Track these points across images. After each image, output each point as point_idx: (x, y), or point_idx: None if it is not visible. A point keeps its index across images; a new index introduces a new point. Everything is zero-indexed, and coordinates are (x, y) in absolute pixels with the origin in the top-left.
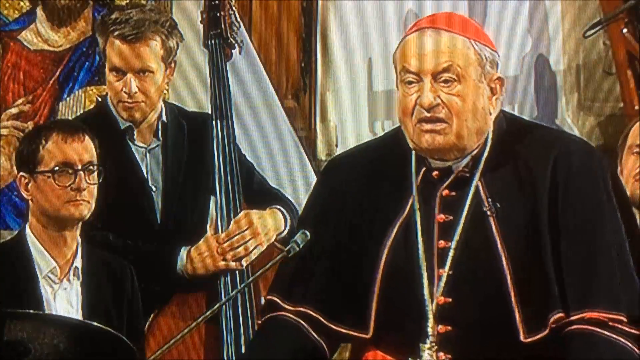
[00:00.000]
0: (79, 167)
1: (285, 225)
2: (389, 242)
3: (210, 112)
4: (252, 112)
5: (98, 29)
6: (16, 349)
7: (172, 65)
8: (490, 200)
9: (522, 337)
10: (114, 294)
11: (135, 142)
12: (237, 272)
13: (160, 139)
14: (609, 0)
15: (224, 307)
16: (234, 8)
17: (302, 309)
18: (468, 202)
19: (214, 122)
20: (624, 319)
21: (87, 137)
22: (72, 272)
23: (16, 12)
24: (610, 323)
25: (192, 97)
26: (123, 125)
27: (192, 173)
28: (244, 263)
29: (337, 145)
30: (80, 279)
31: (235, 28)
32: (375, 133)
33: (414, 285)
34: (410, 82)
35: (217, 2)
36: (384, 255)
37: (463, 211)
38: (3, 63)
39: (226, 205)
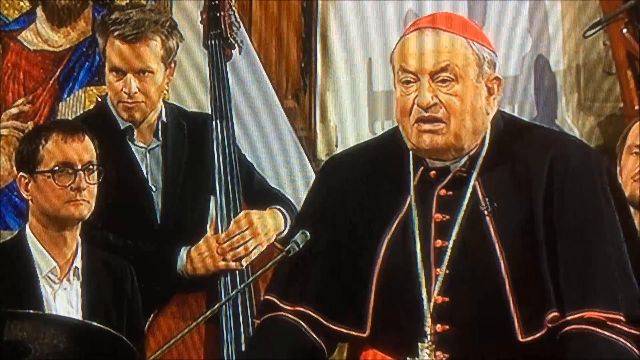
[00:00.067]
0: (79, 167)
1: (285, 226)
2: (386, 241)
3: (210, 112)
4: (252, 112)
5: (98, 29)
6: (16, 349)
7: (172, 65)
8: (487, 200)
9: (519, 337)
10: (114, 294)
11: (135, 142)
12: (237, 272)
13: (160, 139)
14: (609, 0)
15: (224, 306)
16: (233, 8)
17: (300, 309)
18: (465, 201)
19: (214, 122)
20: (623, 319)
21: (87, 137)
22: (72, 272)
23: (16, 12)
24: (609, 323)
25: (192, 97)
26: (123, 125)
27: (192, 173)
28: (244, 263)
29: (337, 146)
30: (80, 279)
31: (235, 28)
32: (375, 133)
33: (411, 284)
34: (407, 82)
35: (217, 2)
36: (381, 254)
37: (460, 211)
38: (3, 63)
39: (226, 205)
